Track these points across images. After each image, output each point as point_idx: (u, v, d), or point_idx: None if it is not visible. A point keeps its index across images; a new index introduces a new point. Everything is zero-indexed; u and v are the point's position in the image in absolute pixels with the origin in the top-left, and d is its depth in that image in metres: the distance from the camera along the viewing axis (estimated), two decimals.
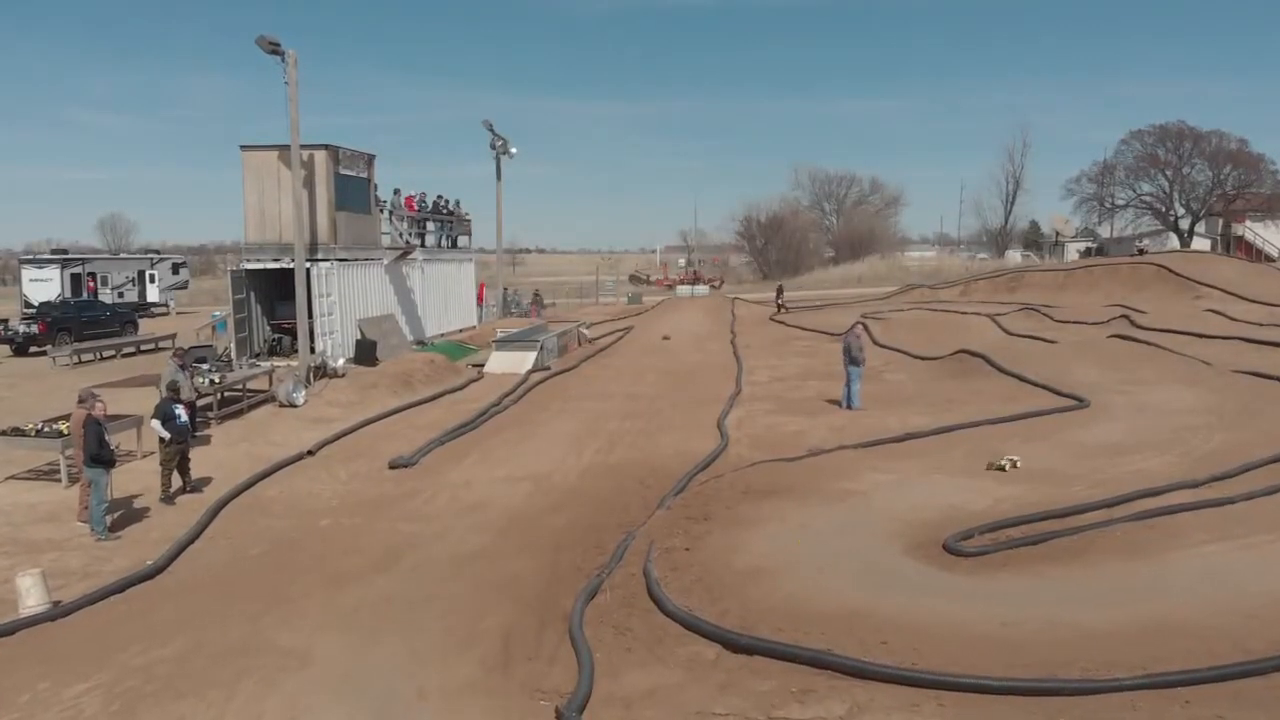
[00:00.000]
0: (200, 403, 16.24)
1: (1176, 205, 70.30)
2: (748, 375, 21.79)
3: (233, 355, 20.35)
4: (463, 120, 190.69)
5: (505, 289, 39.33)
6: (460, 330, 29.66)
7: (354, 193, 22.47)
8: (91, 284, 44.40)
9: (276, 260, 20.90)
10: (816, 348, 27.54)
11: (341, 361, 19.64)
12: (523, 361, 22.86)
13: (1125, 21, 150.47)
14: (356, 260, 22.52)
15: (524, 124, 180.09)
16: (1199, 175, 70.03)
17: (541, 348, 23.55)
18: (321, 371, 19.36)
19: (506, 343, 24.12)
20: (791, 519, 10.07)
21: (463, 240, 31.32)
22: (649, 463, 13.10)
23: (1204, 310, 30.38)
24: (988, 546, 9.15)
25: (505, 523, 10.61)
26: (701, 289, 53.22)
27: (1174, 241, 65.48)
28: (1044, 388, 18.03)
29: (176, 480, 12.09)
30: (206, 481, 12.67)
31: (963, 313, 34.43)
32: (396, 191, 26.75)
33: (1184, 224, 68.70)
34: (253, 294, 21.60)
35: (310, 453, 14.16)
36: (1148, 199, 72.40)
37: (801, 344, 28.74)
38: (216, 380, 16.67)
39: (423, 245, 27.29)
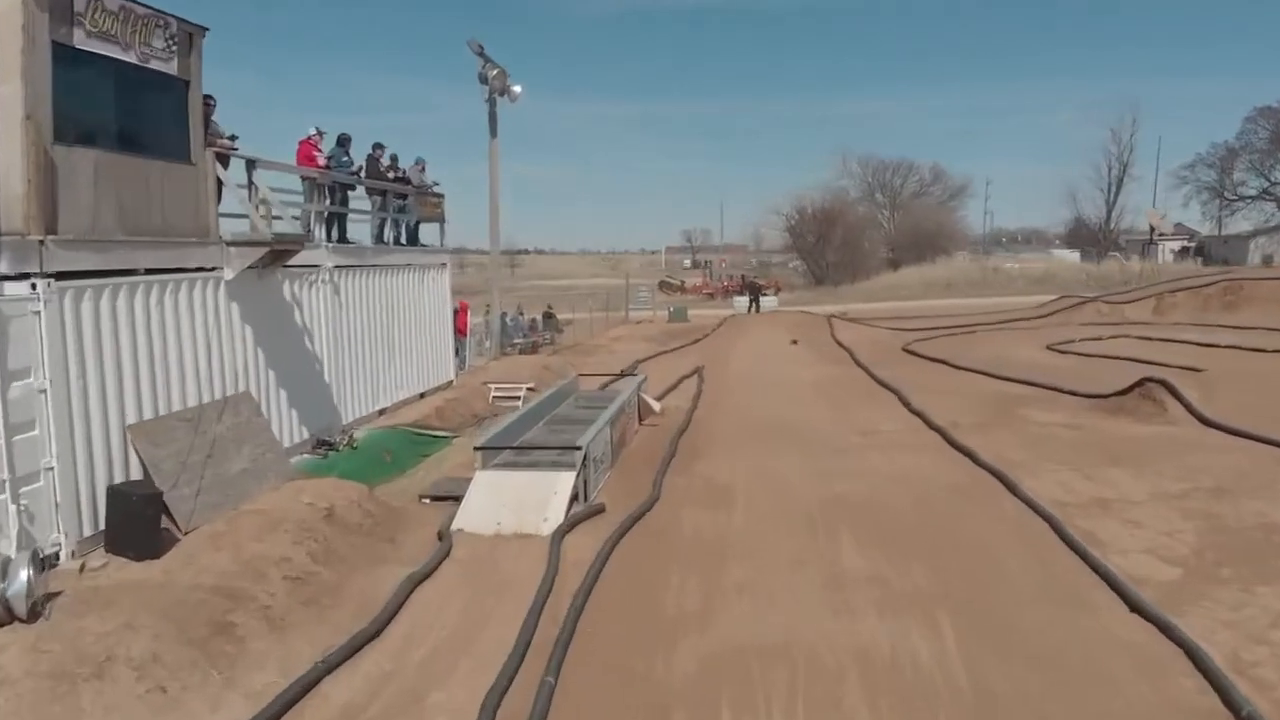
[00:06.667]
0: None
1: None
2: (1091, 542, 8.83)
3: None
4: (465, 120, 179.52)
5: (504, 314, 26.21)
6: (423, 394, 16.62)
7: (132, 106, 9.27)
8: None
9: None
10: (1093, 431, 14.27)
11: (52, 552, 6.51)
12: (542, 508, 9.86)
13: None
14: (131, 276, 9.16)
15: (524, 124, 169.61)
16: None
17: (584, 461, 10.61)
18: None
19: (499, 451, 11.12)
20: None
21: (427, 234, 17.99)
22: None
23: None
24: None
25: None
26: (769, 300, 40.34)
27: None
28: None
29: None
30: None
31: (1233, 346, 21.76)
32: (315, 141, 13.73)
33: None
34: None
35: None
36: None
37: (1040, 410, 15.45)
38: None
39: (341, 240, 14.30)
